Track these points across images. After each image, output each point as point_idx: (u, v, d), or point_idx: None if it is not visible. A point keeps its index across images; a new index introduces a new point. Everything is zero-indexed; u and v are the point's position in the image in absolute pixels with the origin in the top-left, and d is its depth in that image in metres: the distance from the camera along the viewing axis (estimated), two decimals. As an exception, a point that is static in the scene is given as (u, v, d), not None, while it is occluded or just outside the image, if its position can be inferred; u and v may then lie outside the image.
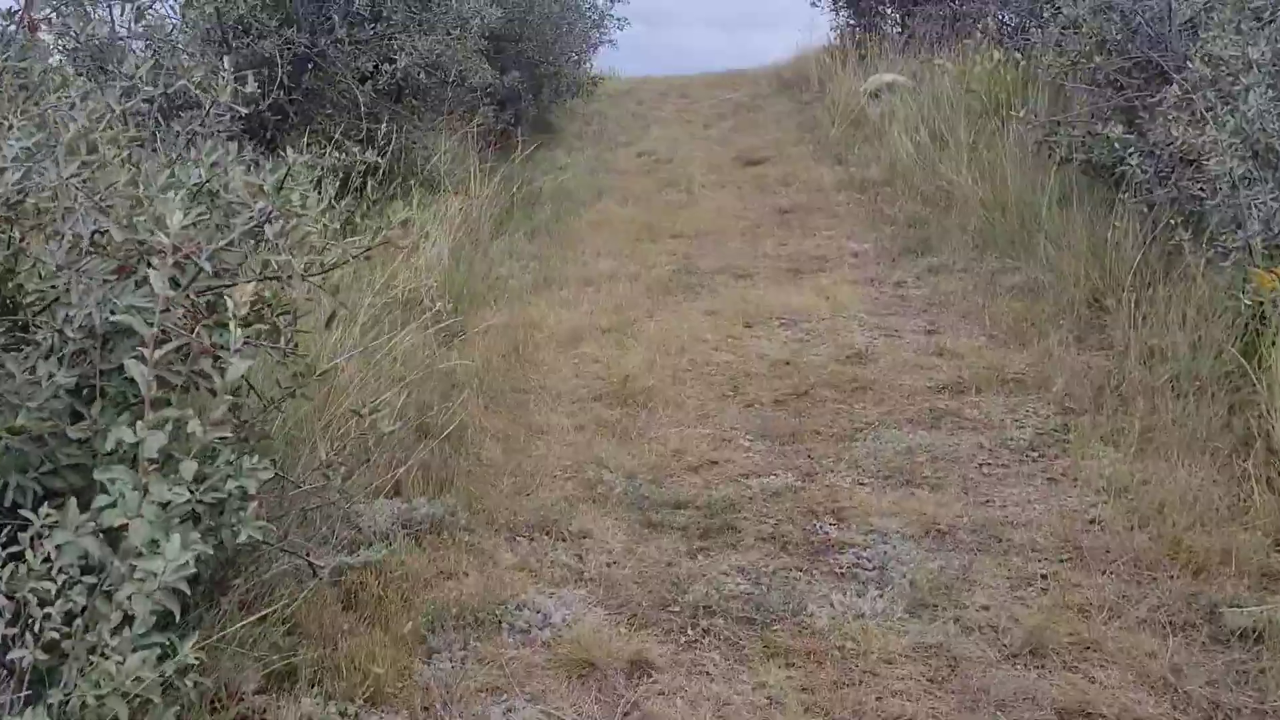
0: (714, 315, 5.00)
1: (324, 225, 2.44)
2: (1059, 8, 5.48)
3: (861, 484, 3.36)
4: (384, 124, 6.52)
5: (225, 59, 2.90)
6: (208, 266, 2.09)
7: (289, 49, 5.97)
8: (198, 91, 5.42)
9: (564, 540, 3.10)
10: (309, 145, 6.26)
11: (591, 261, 6.12)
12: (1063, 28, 5.52)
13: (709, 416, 3.91)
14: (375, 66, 6.37)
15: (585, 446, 3.69)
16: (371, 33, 6.29)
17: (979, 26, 9.70)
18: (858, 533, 3.06)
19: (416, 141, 6.68)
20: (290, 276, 2.20)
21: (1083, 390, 3.82)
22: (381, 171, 6.85)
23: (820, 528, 3.10)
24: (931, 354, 4.36)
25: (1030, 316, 4.54)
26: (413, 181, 6.63)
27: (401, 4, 6.29)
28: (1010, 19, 9.49)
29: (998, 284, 5.04)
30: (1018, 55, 7.74)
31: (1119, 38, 5.19)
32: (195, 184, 2.23)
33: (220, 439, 1.99)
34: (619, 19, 12.95)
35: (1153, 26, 5.01)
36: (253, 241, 2.25)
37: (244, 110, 5.36)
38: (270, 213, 2.13)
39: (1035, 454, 3.50)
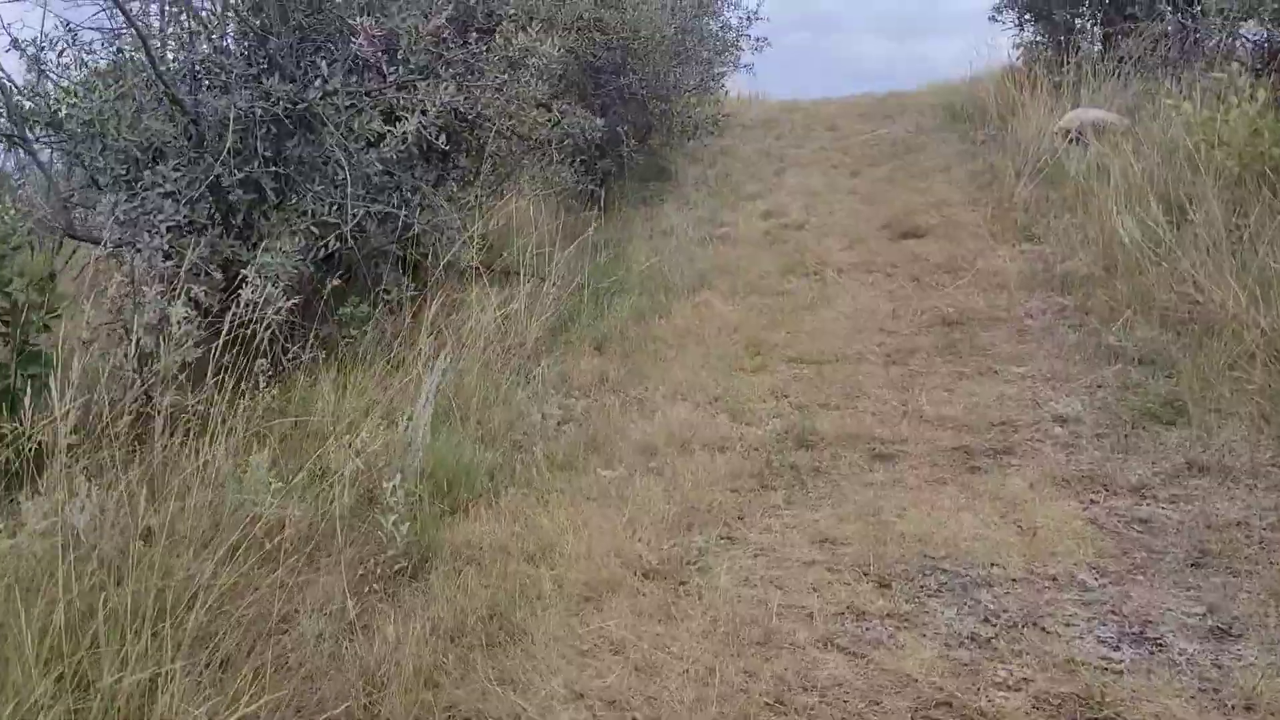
0: (830, 550, 3.08)
1: None
2: None
3: None
4: (399, 202, 4.90)
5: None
6: None
7: (266, 105, 4.40)
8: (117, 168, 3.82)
9: None
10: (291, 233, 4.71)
11: (665, 406, 4.28)
12: None
13: None
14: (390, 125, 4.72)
15: None
16: (384, 82, 4.64)
17: (1221, 49, 7.39)
18: None
19: (447, 221, 4.99)
20: None
21: None
22: (406, 263, 5.25)
23: None
24: (1231, 705, 2.31)
25: None
26: (435, 276, 4.97)
27: (422, 43, 4.61)
28: (1273, 38, 7.15)
29: (1327, 519, 2.93)
30: (1291, 93, 5.51)
31: None
32: None
33: None
34: (756, 39, 11.12)
35: None
36: None
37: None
38: None
39: None
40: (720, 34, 10.71)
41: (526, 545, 3.18)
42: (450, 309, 5.03)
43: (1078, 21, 10.11)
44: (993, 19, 10.87)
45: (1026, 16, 10.67)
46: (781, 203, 7.83)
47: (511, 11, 5.50)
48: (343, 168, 4.48)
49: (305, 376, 4.22)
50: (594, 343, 5.19)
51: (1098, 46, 9.65)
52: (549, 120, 5.79)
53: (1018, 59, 10.90)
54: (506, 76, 5.09)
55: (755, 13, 11.03)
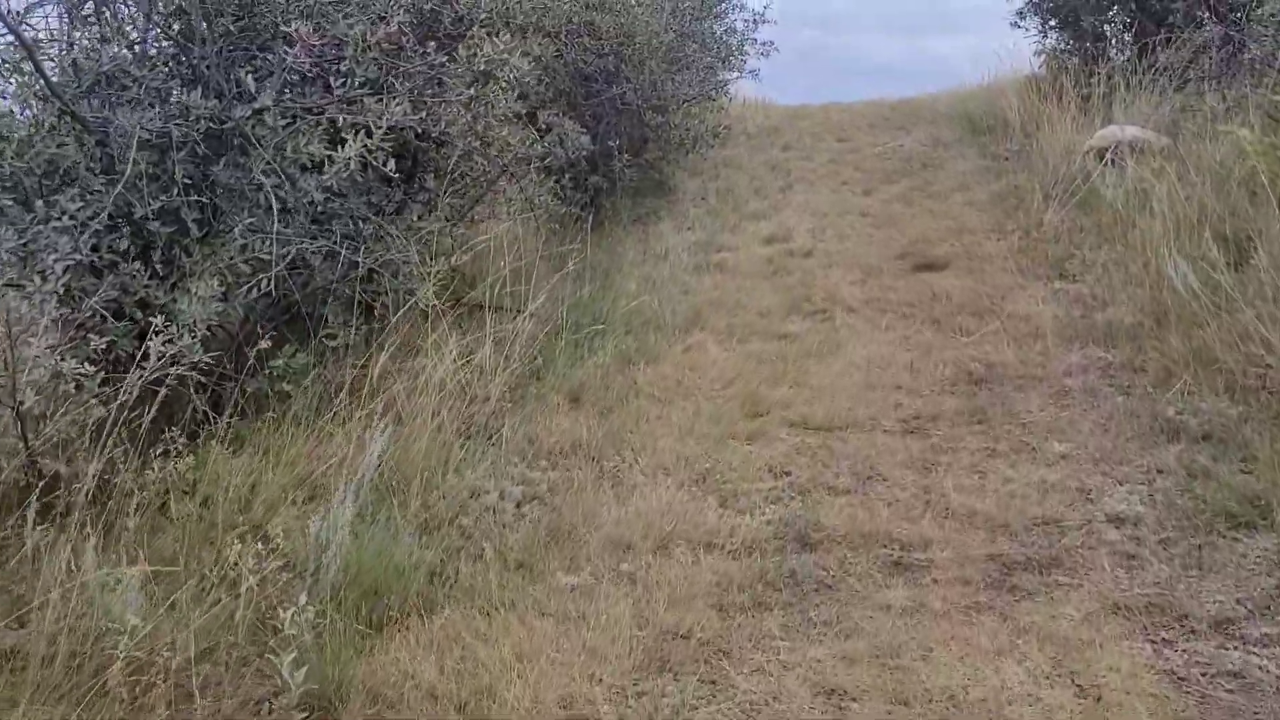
0: (838, 707, 2.44)
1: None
2: None
3: None
4: (345, 234, 4.28)
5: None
6: None
7: (184, 124, 3.78)
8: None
9: None
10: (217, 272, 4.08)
11: (644, 483, 3.64)
12: None
13: None
14: (336, 147, 4.08)
15: None
16: (328, 97, 4.01)
17: (1276, 63, 6.73)
18: None
19: (402, 257, 4.36)
20: None
21: None
22: (356, 303, 4.63)
23: None
24: None
25: None
26: (390, 319, 4.34)
27: (370, 53, 3.97)
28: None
29: None
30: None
31: None
32: None
33: None
34: (763, 44, 10.51)
35: None
36: None
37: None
38: None
39: None
40: (724, 38, 10.10)
41: (460, 688, 2.56)
42: (406, 356, 4.41)
43: (1107, 28, 9.46)
44: (1015, 25, 10.20)
45: (1051, 23, 10.00)
46: (787, 224, 7.19)
47: (483, 16, 4.86)
48: (275, 196, 3.85)
49: (225, 443, 3.59)
50: (570, 394, 4.56)
51: (1125, 55, 8.99)
52: (524, 139, 5.15)
53: (1040, 66, 10.25)
54: (473, 91, 4.45)
55: (762, 15, 10.43)
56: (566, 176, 6.66)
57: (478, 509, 3.51)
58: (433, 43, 4.29)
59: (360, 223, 4.31)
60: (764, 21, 10.37)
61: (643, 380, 4.61)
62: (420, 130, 4.52)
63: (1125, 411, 3.84)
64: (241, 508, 3.27)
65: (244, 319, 4.21)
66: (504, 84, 4.57)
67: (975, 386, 4.25)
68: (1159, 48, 8.06)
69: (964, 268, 5.76)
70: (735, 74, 10.27)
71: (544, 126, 6.62)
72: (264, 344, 3.62)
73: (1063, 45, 9.94)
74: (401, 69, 4.28)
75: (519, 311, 5.14)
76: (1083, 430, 3.76)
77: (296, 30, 3.79)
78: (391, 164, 3.96)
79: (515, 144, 4.80)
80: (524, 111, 5.88)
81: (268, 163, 3.83)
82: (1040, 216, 6.31)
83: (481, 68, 4.33)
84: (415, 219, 4.71)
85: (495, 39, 4.35)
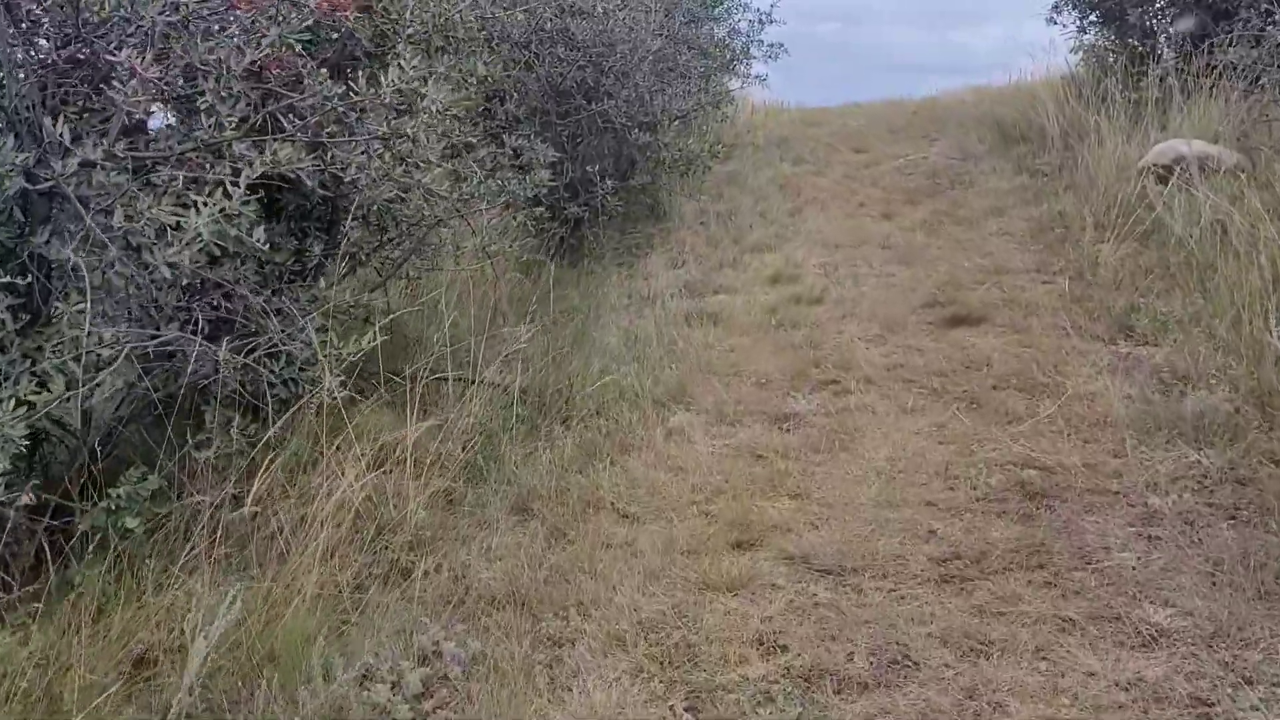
0: None
1: None
2: None
3: None
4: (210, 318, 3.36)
5: None
6: None
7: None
8: None
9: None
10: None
11: (590, 666, 2.69)
12: None
13: None
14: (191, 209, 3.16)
15: None
16: (185, 145, 3.09)
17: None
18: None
19: (302, 337, 3.43)
20: None
21: None
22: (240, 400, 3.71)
23: None
24: None
25: None
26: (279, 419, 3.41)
27: (239, 85, 3.04)
28: None
29: None
30: None
31: None
32: None
33: None
34: (770, 46, 9.57)
35: None
36: None
37: None
38: None
39: None
40: (728, 41, 9.16)
41: None
42: (303, 467, 3.49)
43: (1156, 23, 8.41)
44: (1051, 21, 9.18)
45: (1091, 18, 8.97)
46: (795, 260, 6.22)
47: (410, 31, 3.92)
48: (102, 276, 2.94)
49: (30, 616, 2.70)
50: (516, 504, 3.63)
51: (1179, 51, 7.93)
52: (464, 177, 4.20)
53: (1078, 65, 9.23)
54: (385, 129, 3.52)
55: (769, 15, 9.49)
56: (541, 207, 5.74)
57: (362, 712, 2.58)
58: (324, 69, 3.35)
59: (235, 299, 3.38)
60: (770, 22, 9.43)
61: (608, 485, 3.66)
62: (331, 176, 3.60)
63: (1238, 553, 2.86)
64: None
65: (98, 428, 3.33)
66: (425, 120, 3.62)
67: (1032, 504, 3.27)
68: (1217, 47, 7.04)
69: (1005, 322, 4.78)
70: (739, 81, 9.32)
71: (512, 151, 5.72)
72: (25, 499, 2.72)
73: (1105, 42, 8.92)
74: (289, 103, 3.35)
75: (470, 382, 4.24)
76: (1184, 585, 2.78)
77: (127, 59, 2.87)
78: (259, 232, 3.02)
79: (441, 191, 3.85)
80: (478, 137, 4.99)
81: (97, 228, 2.91)
82: (1094, 253, 5.32)
83: (387, 100, 3.39)
84: (324, 287, 3.79)
85: (404, 63, 3.41)
